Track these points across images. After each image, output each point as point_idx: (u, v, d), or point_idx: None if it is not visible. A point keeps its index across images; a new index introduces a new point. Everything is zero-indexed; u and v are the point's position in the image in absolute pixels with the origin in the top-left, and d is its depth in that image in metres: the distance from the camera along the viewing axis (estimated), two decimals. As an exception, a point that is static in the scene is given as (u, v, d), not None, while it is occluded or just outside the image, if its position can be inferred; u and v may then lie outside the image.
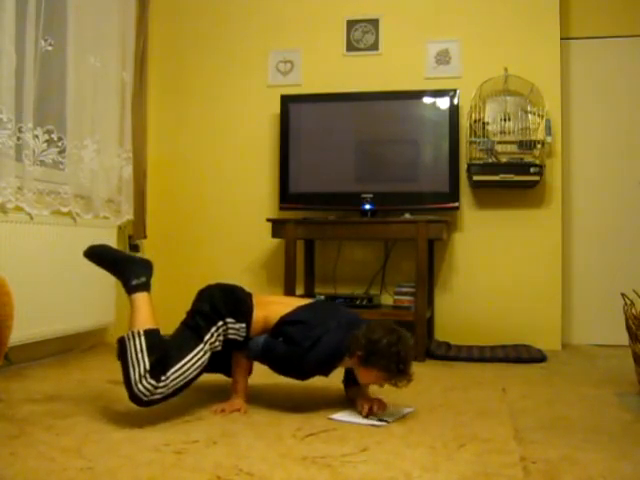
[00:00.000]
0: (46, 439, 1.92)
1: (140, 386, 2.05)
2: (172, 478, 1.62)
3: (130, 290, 2.26)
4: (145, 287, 2.28)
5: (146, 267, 2.35)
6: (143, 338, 2.12)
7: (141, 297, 2.25)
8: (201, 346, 2.19)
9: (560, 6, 3.89)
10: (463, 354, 3.51)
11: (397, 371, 2.14)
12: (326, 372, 2.37)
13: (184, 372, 2.12)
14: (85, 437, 1.94)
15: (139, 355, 2.09)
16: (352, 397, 2.42)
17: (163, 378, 2.07)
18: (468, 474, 1.66)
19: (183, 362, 2.13)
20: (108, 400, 2.42)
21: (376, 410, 2.23)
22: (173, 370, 2.10)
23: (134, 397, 2.07)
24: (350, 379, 2.46)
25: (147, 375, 2.06)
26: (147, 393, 2.05)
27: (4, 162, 2.82)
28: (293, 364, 2.27)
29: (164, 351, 2.12)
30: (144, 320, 2.19)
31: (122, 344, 2.13)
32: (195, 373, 2.17)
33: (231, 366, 2.39)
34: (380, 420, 2.17)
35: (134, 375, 2.06)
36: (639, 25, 3.99)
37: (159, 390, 2.07)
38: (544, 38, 3.89)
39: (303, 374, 2.34)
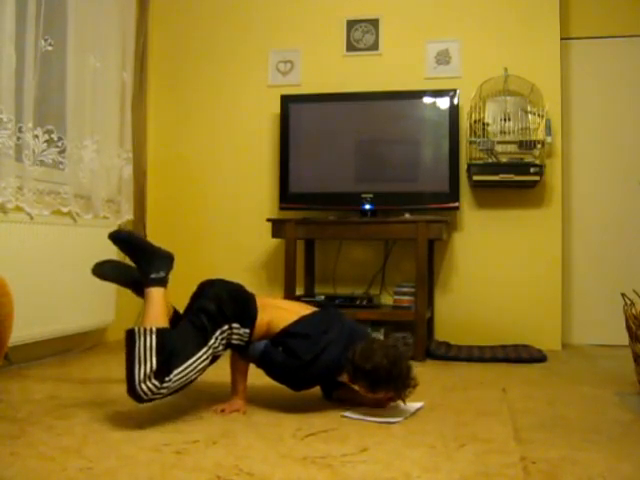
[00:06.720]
0: (46, 439, 1.92)
1: (143, 386, 2.02)
2: (172, 478, 1.62)
3: (147, 283, 2.23)
4: (162, 282, 2.25)
5: (168, 261, 2.32)
6: (154, 337, 2.07)
7: (156, 292, 2.22)
8: (204, 349, 2.17)
9: (560, 6, 3.89)
10: (463, 354, 3.51)
11: (404, 387, 2.20)
12: (321, 384, 2.39)
13: (186, 374, 2.11)
14: (85, 437, 1.94)
15: (147, 353, 2.04)
16: (341, 397, 2.42)
17: (167, 379, 2.05)
18: (468, 474, 1.66)
19: (186, 364, 2.11)
20: (108, 400, 2.42)
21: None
22: (176, 372, 2.08)
23: (134, 394, 2.04)
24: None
25: (152, 376, 2.02)
26: (149, 393, 2.03)
27: (4, 162, 2.82)
28: (288, 375, 2.28)
29: (170, 352, 2.08)
30: (157, 317, 2.16)
31: (131, 337, 2.08)
32: (196, 376, 2.16)
33: (230, 367, 2.39)
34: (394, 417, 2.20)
35: (139, 373, 2.02)
36: (639, 25, 3.99)
37: (161, 391, 2.05)
38: (544, 38, 3.89)
39: (298, 386, 2.35)
